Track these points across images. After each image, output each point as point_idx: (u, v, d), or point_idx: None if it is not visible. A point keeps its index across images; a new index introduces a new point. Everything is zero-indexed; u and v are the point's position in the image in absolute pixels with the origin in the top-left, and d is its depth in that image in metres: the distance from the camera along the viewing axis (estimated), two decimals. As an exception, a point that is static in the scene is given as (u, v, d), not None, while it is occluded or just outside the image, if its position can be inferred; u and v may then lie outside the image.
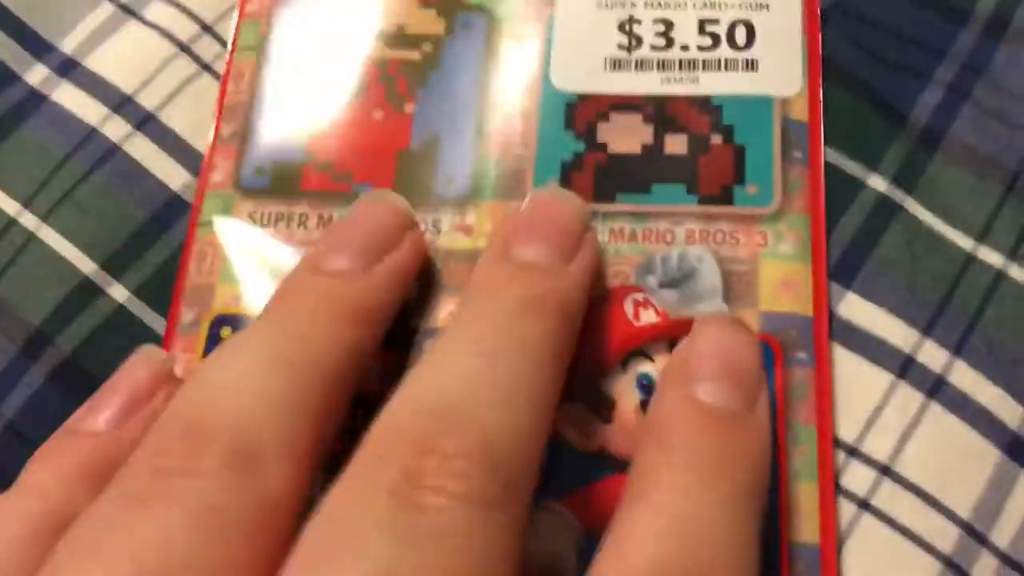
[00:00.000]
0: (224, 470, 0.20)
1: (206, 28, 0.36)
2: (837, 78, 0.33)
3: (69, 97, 0.35)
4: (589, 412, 0.28)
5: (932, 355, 0.30)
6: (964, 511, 0.28)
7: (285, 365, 0.23)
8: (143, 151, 0.35)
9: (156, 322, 0.32)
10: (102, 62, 0.36)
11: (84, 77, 0.36)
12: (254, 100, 0.34)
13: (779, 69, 0.32)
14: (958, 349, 0.30)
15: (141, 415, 0.26)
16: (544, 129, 0.32)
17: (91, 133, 0.35)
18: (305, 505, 0.21)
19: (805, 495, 0.27)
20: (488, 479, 0.20)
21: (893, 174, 0.32)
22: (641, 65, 0.33)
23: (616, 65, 0.33)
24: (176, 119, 0.35)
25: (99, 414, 0.25)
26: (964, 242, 0.31)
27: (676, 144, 0.32)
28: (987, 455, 0.29)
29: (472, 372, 0.21)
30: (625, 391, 0.28)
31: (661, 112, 0.32)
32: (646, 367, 0.28)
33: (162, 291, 0.32)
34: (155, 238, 0.33)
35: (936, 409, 0.29)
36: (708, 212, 0.31)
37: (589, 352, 0.28)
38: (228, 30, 0.36)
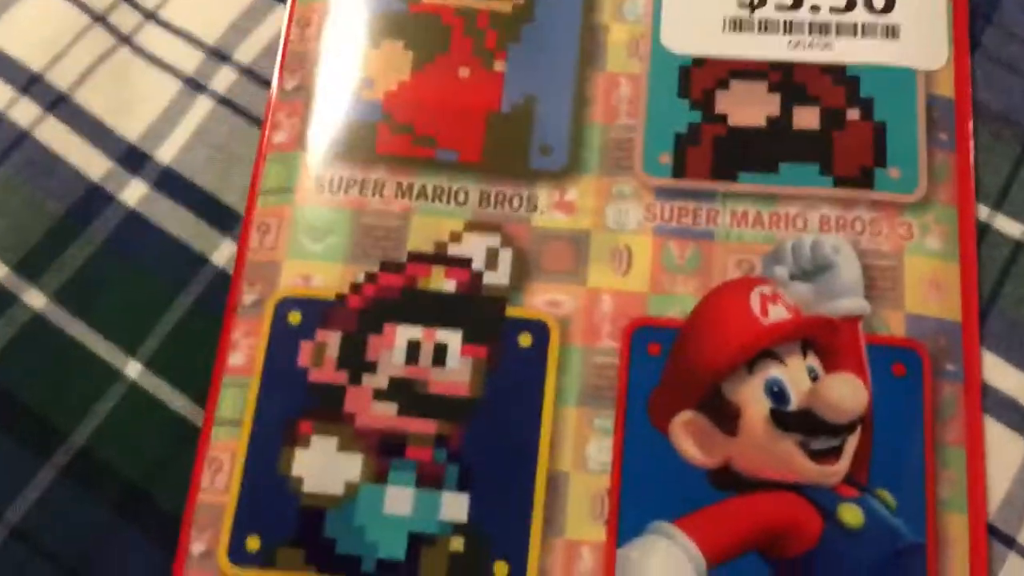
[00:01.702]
0: None
1: (124, -7, 0.31)
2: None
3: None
4: (710, 422, 0.25)
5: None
6: None
7: None
8: (56, 136, 0.30)
9: (77, 330, 0.28)
10: (7, 36, 0.31)
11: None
12: (321, 49, 0.30)
13: (923, 38, 0.29)
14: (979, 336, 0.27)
15: None
16: (655, 96, 0.28)
17: (-4, 118, 0.30)
18: None
19: (955, 527, 0.24)
20: None
21: None
22: (765, 27, 0.29)
23: (736, 25, 0.29)
24: (93, 100, 0.31)
25: None
26: (979, 212, 0.28)
27: (807, 117, 0.28)
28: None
29: None
30: (752, 398, 0.25)
31: (789, 80, 0.28)
32: (776, 371, 0.25)
33: (85, 295, 0.28)
34: (74, 234, 0.29)
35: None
36: (845, 196, 0.27)
37: (709, 352, 0.25)
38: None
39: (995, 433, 0.26)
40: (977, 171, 0.28)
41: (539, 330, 0.26)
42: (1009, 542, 0.25)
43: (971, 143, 0.28)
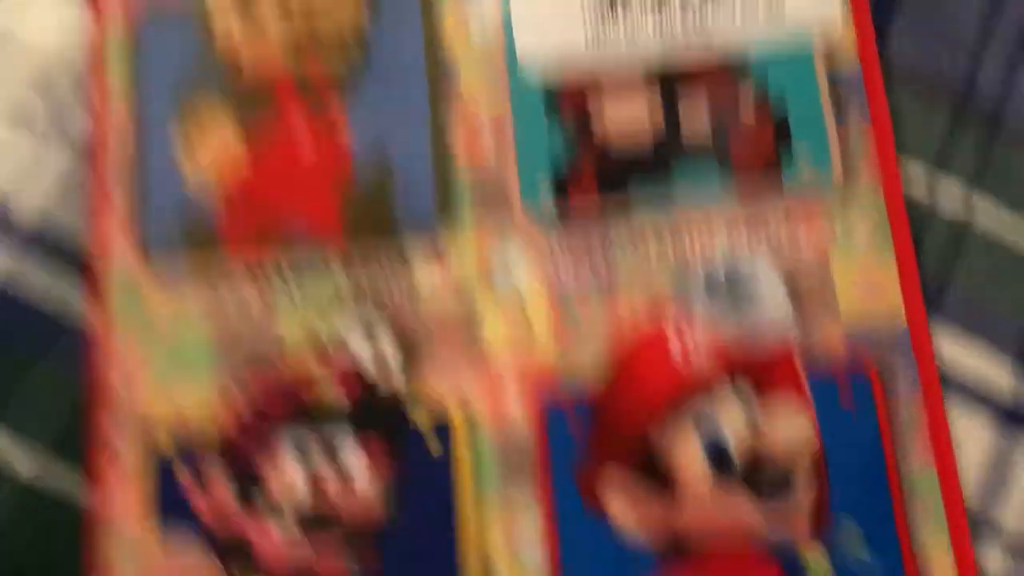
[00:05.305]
0: None
1: None
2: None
3: None
4: (645, 486, 0.22)
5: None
6: None
7: None
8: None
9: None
10: None
11: None
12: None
13: (811, -9, 0.25)
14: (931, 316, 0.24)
15: None
16: (523, 127, 0.25)
17: None
18: None
19: (936, 550, 0.21)
20: None
21: None
22: (627, 6, 0.25)
23: (599, 18, 0.25)
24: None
25: None
26: (919, 186, 0.25)
27: (695, 117, 0.24)
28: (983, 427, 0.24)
29: None
30: (686, 451, 0.22)
31: (669, 75, 0.25)
32: (706, 407, 0.22)
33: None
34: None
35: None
36: (753, 203, 0.24)
37: (630, 405, 0.22)
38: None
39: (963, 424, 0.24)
40: (910, 143, 0.25)
41: (443, 427, 0.24)
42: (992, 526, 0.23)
43: (887, 107, 0.24)
